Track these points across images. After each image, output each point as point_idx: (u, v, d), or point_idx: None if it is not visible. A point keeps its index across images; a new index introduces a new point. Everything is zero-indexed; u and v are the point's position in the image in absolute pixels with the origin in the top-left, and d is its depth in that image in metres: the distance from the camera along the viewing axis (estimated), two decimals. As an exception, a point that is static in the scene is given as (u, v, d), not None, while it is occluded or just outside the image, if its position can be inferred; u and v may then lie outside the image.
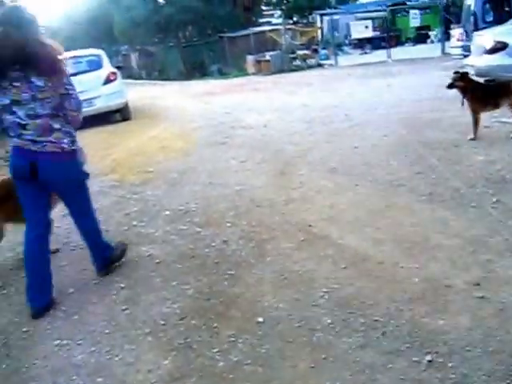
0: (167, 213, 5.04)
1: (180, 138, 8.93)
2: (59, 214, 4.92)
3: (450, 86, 6.36)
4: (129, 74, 33.56)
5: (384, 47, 23.05)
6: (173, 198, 5.49)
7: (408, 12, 26.33)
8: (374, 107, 9.38)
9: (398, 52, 20.35)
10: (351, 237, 4.03)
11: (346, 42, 30.39)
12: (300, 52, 23.76)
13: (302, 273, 3.55)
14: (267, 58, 22.76)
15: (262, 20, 37.56)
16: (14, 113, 3.21)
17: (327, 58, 24.46)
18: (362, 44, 27.57)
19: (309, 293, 3.28)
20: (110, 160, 7.70)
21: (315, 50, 25.36)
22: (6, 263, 4.34)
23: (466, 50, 11.89)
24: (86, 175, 3.63)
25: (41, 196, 3.47)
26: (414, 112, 8.42)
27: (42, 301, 3.45)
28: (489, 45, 8.35)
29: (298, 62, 23.14)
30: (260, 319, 3.06)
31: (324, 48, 26.64)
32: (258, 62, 23.40)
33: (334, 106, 10.18)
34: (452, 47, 15.49)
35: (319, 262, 3.68)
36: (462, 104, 6.26)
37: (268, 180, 5.79)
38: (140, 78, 35.84)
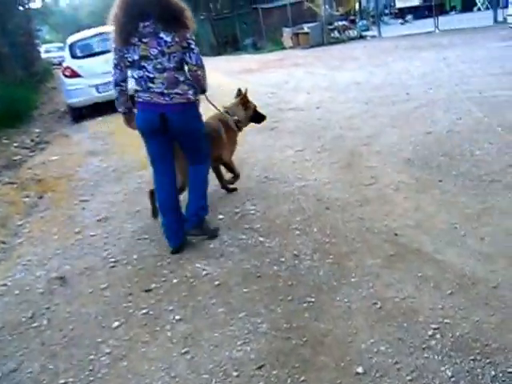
0: (221, 217, 4.35)
1: (222, 123, 8.10)
2: (94, 220, 4.32)
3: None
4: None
5: (426, 16, 21.76)
6: (225, 198, 4.77)
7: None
8: (436, 84, 8.41)
9: (444, 21, 18.94)
10: (451, 251, 3.31)
11: (386, 11, 29.23)
12: (339, 23, 22.54)
13: (400, 300, 2.87)
14: (306, 30, 21.58)
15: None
16: (142, 67, 3.43)
17: (367, 29, 23.51)
18: (402, 13, 26.24)
19: (414, 330, 2.59)
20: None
21: (353, 21, 24.30)
22: (35, 285, 3.62)
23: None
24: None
25: (168, 148, 3.72)
26: (485, 90, 7.38)
27: (176, 241, 3.80)
28: None
29: (336, 34, 22.09)
30: (359, 369, 2.39)
31: (363, 18, 25.60)
32: (296, 34, 22.31)
33: (391, 84, 9.28)
34: (510, 15, 14.09)
35: (418, 286, 2.97)
36: None
37: (333, 174, 5.02)
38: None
